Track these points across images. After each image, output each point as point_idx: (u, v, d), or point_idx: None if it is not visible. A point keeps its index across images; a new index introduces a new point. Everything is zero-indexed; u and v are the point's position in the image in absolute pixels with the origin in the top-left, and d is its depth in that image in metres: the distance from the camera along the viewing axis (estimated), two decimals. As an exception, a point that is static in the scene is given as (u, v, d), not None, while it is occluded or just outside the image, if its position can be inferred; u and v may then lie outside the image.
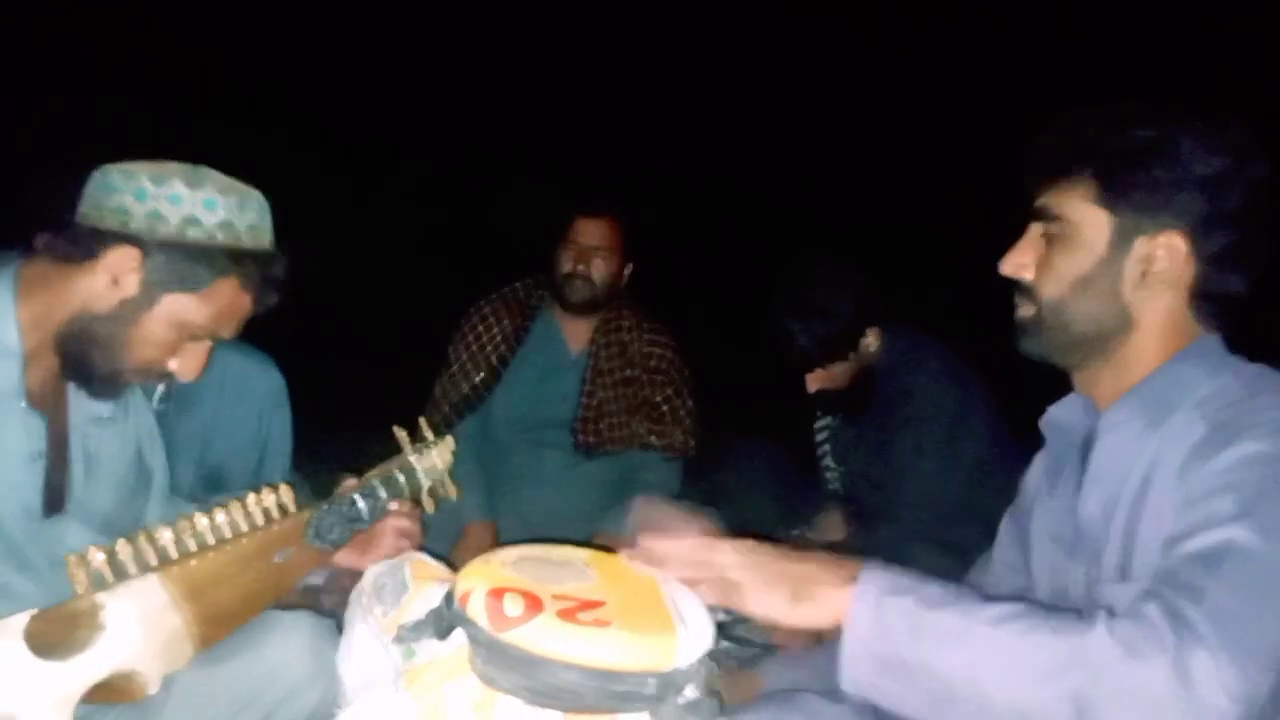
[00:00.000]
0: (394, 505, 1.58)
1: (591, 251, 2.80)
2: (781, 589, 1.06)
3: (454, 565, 1.39)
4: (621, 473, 2.88)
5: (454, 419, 2.87)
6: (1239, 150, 1.15)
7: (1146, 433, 1.15)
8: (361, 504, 1.53)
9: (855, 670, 1.02)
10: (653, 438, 2.90)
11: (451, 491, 1.71)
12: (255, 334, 1.57)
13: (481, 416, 2.91)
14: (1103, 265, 1.18)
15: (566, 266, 2.81)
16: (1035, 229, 1.25)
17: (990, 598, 1.03)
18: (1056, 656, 0.93)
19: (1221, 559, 0.95)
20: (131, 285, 1.39)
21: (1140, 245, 1.17)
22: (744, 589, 1.08)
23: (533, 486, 2.85)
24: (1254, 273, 1.18)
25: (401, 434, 1.66)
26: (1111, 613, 0.95)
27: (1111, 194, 1.17)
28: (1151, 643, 0.90)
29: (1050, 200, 1.22)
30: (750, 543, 1.13)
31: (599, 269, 2.81)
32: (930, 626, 0.99)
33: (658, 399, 2.91)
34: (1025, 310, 1.25)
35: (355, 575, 1.39)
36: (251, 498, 1.42)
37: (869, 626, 1.01)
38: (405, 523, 1.58)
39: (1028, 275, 1.24)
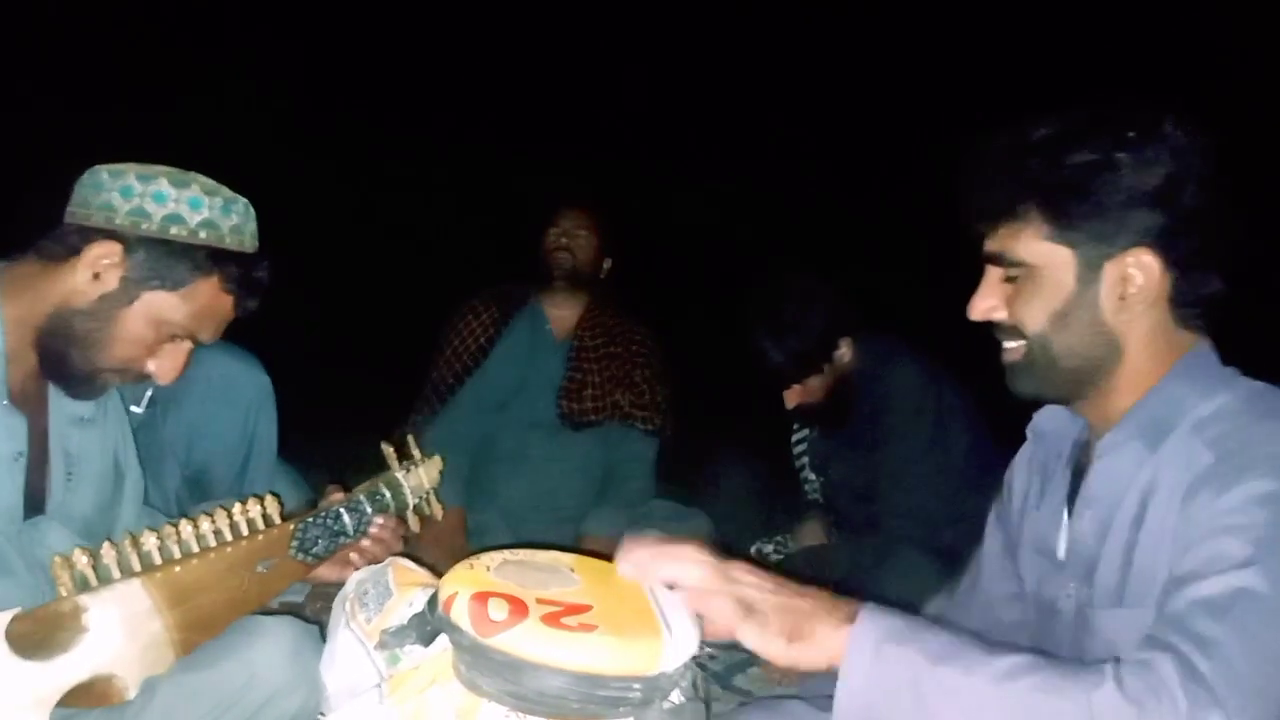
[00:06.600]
0: (379, 520, 1.57)
1: (573, 230, 3.00)
2: (779, 625, 1.01)
3: (421, 548, 1.38)
4: (603, 450, 2.98)
5: (437, 405, 3.01)
6: (1180, 152, 1.10)
7: (1144, 454, 1.13)
8: (346, 518, 1.53)
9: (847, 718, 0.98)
10: (634, 409, 3.01)
11: (438, 511, 1.71)
12: (242, 337, 1.57)
13: (467, 401, 3.01)
14: (1076, 298, 1.14)
15: (550, 243, 3.00)
16: (995, 273, 1.20)
17: (994, 645, 0.99)
18: (1062, 717, 0.89)
19: (1232, 607, 0.92)
20: (112, 280, 1.39)
21: (1110, 270, 1.13)
22: (740, 621, 1.02)
23: (518, 470, 2.96)
24: (1226, 267, 1.14)
25: (389, 450, 1.66)
26: (1116, 660, 0.92)
27: (1064, 229, 1.13)
28: (1164, 702, 0.87)
29: (1003, 245, 1.17)
30: (747, 567, 1.07)
31: (580, 247, 3.00)
32: (931, 682, 0.94)
33: (637, 377, 3.03)
34: (1013, 352, 1.20)
35: (336, 590, 1.38)
36: (237, 507, 1.42)
37: (865, 675, 0.97)
38: (385, 534, 1.58)
39: (999, 316, 1.20)
